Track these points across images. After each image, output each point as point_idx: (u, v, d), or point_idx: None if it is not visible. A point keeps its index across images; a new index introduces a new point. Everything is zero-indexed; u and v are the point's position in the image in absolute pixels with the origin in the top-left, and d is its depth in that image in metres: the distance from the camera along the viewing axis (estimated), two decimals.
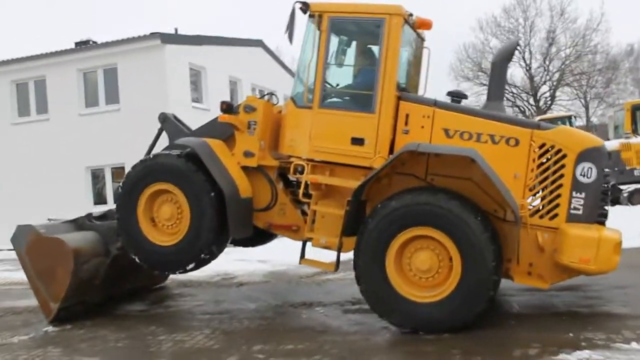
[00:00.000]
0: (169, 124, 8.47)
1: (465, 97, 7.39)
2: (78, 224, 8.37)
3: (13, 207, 17.29)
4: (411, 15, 6.92)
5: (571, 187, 6.18)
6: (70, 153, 16.91)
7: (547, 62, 40.48)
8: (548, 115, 30.56)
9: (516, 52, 40.64)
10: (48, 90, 17.51)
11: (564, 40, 39.81)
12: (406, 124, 6.64)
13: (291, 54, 35.26)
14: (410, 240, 6.11)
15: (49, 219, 8.84)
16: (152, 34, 15.77)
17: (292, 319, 7.11)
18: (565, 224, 6.15)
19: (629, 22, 54.74)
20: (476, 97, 38.06)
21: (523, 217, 6.07)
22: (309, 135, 6.86)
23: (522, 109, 41.37)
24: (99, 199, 17.44)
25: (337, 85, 7.35)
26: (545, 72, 40.62)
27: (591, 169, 6.16)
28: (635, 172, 16.62)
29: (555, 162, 6.22)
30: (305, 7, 6.86)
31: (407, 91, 7.05)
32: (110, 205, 16.68)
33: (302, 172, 6.93)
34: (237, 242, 8.43)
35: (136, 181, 7.38)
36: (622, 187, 16.44)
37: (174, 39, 16.46)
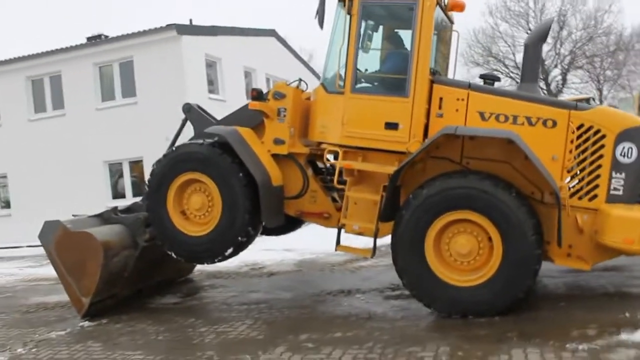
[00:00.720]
0: (193, 114, 8.34)
1: (498, 79, 7.26)
2: (104, 218, 8.27)
3: (32, 203, 17.28)
4: None
5: (611, 168, 6.06)
6: (87, 148, 16.80)
7: (558, 46, 39.96)
8: (563, 98, 30.15)
9: (526, 36, 40.42)
10: (64, 85, 17.37)
11: (575, 23, 39.32)
12: (440, 107, 6.50)
13: (299, 43, 35.04)
14: (447, 225, 6.00)
15: (73, 215, 8.72)
16: (167, 25, 15.59)
17: (334, 307, 6.97)
18: (606, 204, 6.03)
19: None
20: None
21: (563, 199, 5.91)
22: (341, 121, 6.70)
23: None
24: (117, 192, 17.32)
25: (369, 70, 7.18)
26: (557, 56, 40.11)
27: (631, 148, 6.03)
28: None
29: (594, 143, 6.09)
30: None
31: (438, 74, 6.88)
32: (129, 199, 16.64)
33: (335, 159, 6.78)
34: (266, 231, 8.31)
35: (162, 176, 7.27)
36: None
37: (190, 29, 16.27)
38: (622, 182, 6.02)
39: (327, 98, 6.91)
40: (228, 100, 17.42)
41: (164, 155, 7.34)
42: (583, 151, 6.12)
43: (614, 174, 6.03)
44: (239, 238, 7.04)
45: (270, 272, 9.72)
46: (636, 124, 6.14)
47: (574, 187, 6.18)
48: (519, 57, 40.76)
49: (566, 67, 39.57)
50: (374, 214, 6.59)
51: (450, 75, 7.52)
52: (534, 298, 6.28)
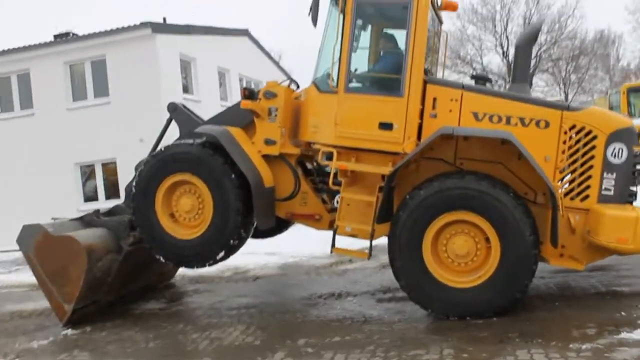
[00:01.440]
0: (179, 114, 8.07)
1: (489, 80, 7.29)
2: (85, 221, 8.00)
3: None
4: None
5: (602, 168, 6.12)
6: (58, 149, 16.23)
7: None
8: None
9: (493, 39, 41.21)
10: (32, 84, 16.76)
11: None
12: (434, 107, 6.45)
13: (268, 44, 34.71)
14: (444, 227, 5.98)
15: (53, 219, 8.39)
16: (142, 23, 15.19)
17: (327, 311, 6.86)
18: (598, 204, 6.09)
19: (600, 8, 55.62)
20: None
21: (558, 199, 5.94)
22: (334, 120, 6.59)
23: None
24: (90, 195, 16.82)
25: (363, 69, 7.11)
26: None
27: (622, 149, 6.11)
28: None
29: (586, 144, 6.15)
30: None
31: (431, 74, 6.86)
32: (101, 201, 16.20)
33: (330, 159, 6.67)
34: (255, 234, 8.13)
35: (151, 177, 7.02)
36: None
37: (165, 28, 15.91)
38: (613, 182, 6.09)
39: (319, 98, 6.79)
40: (202, 101, 17.14)
41: (152, 156, 7.10)
42: (575, 152, 6.17)
43: (605, 174, 6.10)
44: (231, 241, 6.87)
45: (255, 276, 9.54)
46: (627, 125, 6.24)
47: (566, 187, 6.23)
48: (486, 60, 41.52)
49: (532, 70, 40.38)
50: (367, 216, 6.52)
51: (439, 76, 7.50)
52: (528, 298, 6.29)
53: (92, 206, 15.10)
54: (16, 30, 55.91)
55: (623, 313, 5.69)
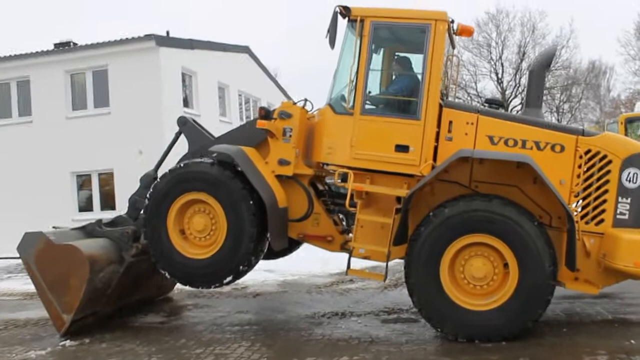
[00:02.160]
0: (189, 128, 8.03)
1: (502, 104, 7.32)
2: (87, 231, 7.89)
3: None
4: (452, 21, 6.79)
5: (617, 193, 6.18)
6: (54, 157, 16.02)
7: (518, 76, 41.35)
8: None
9: (488, 65, 41.72)
10: (32, 91, 16.64)
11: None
12: (449, 130, 6.50)
13: (264, 61, 34.77)
14: (464, 247, 5.96)
15: (54, 227, 8.28)
16: (146, 35, 15.19)
17: (331, 330, 6.78)
18: (613, 229, 6.12)
19: (593, 39, 56.68)
20: None
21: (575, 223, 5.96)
22: (350, 142, 6.62)
23: None
24: (85, 205, 16.63)
25: (379, 92, 7.16)
26: (517, 86, 41.47)
27: (637, 174, 6.18)
28: None
29: (601, 168, 6.22)
30: (346, 12, 6.64)
31: (446, 97, 6.91)
32: (97, 212, 16.01)
33: (344, 181, 6.63)
34: (267, 255, 8.07)
35: (167, 192, 6.96)
36: None
37: (168, 41, 15.91)
38: (627, 207, 6.15)
39: (334, 119, 6.80)
40: (202, 115, 17.09)
41: (170, 171, 7.00)
42: (590, 176, 6.22)
43: (620, 199, 6.16)
44: (241, 267, 6.81)
45: (256, 293, 9.44)
46: None
47: (580, 211, 6.26)
48: (480, 86, 41.98)
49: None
50: (380, 237, 6.51)
51: (450, 99, 7.56)
52: (536, 324, 6.27)
53: (86, 216, 14.94)
54: (18, 37, 55.77)
55: (633, 341, 5.70)
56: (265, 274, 11.07)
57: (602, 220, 6.19)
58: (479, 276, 5.92)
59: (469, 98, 41.11)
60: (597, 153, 6.20)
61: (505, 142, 6.34)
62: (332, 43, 6.55)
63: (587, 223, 6.22)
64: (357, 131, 6.59)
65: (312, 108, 7.38)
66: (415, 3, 7.18)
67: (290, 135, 7.01)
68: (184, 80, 17.16)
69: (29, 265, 7.35)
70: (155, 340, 6.74)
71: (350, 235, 7.17)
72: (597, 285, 6.22)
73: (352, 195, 6.58)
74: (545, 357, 5.33)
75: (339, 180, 6.64)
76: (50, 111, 16.27)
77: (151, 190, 7.08)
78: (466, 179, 6.45)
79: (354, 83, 6.58)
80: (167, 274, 7.10)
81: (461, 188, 6.43)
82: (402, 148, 6.43)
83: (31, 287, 10.08)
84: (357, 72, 6.59)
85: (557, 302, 7.39)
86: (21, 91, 16.86)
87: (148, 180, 8.17)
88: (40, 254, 7.22)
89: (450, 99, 7.59)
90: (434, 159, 6.44)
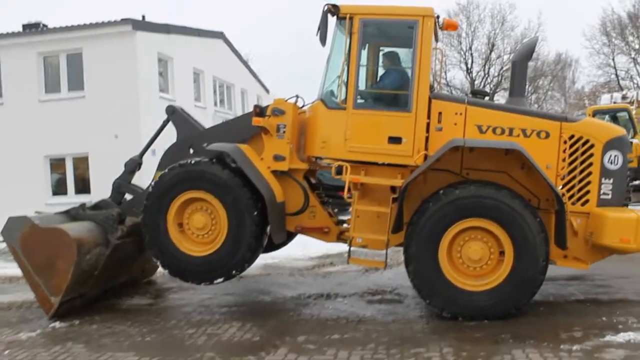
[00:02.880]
0: (177, 117, 8.06)
1: (487, 94, 7.61)
2: (71, 214, 7.92)
3: None
4: (438, 17, 7.02)
5: (600, 174, 6.54)
6: (27, 141, 15.75)
7: (487, 67, 42.14)
8: None
9: (458, 55, 42.32)
10: (3, 73, 16.23)
11: (503, 47, 41.70)
12: (439, 121, 6.74)
13: (244, 49, 34.59)
14: (465, 229, 6.24)
15: (36, 212, 8.25)
16: (123, 19, 14.99)
17: (319, 310, 6.99)
18: (598, 208, 6.49)
19: (559, 32, 57.99)
20: None
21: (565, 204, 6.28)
22: (344, 136, 6.82)
23: None
24: (59, 189, 16.40)
25: (370, 86, 7.36)
26: (486, 76, 42.24)
27: (617, 156, 6.54)
28: None
29: (584, 152, 6.55)
30: (335, 10, 6.80)
31: (434, 89, 7.15)
32: (71, 196, 15.83)
33: (339, 173, 6.83)
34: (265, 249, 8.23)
35: (172, 185, 7.02)
36: None
37: (145, 26, 15.72)
38: (610, 187, 6.51)
39: (327, 114, 6.97)
40: (177, 100, 17.00)
41: (180, 165, 7.02)
42: (574, 160, 6.55)
43: (603, 180, 6.51)
44: (234, 271, 6.98)
45: (239, 276, 9.55)
46: (620, 134, 6.70)
47: (567, 193, 6.59)
48: (450, 75, 42.58)
49: (494, 87, 41.71)
50: (377, 226, 6.76)
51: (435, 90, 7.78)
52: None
53: (60, 200, 14.80)
54: None
55: (604, 318, 6.07)
56: None
57: (587, 201, 6.54)
58: (475, 258, 6.22)
59: (438, 87, 41.65)
60: (580, 138, 6.52)
61: (494, 131, 6.61)
62: (322, 41, 6.68)
63: (573, 204, 6.54)
64: (351, 125, 6.80)
65: (303, 104, 7.51)
66: None
67: (284, 132, 7.14)
68: (160, 65, 17.01)
69: (14, 249, 7.35)
70: (146, 321, 6.84)
71: (345, 225, 7.42)
72: (586, 262, 6.60)
73: (348, 188, 6.78)
74: (527, 334, 5.61)
75: (335, 173, 6.83)
76: (22, 93, 15.95)
77: (158, 179, 7.13)
78: (457, 167, 6.71)
79: (345, 79, 6.77)
80: (158, 262, 7.23)
81: (453, 176, 6.68)
82: (395, 140, 6.67)
83: (9, 271, 10.13)
84: (348, 68, 6.78)
85: None
86: None
87: (133, 165, 8.25)
88: (26, 238, 7.22)
89: (436, 90, 7.82)
90: (426, 149, 6.68)
